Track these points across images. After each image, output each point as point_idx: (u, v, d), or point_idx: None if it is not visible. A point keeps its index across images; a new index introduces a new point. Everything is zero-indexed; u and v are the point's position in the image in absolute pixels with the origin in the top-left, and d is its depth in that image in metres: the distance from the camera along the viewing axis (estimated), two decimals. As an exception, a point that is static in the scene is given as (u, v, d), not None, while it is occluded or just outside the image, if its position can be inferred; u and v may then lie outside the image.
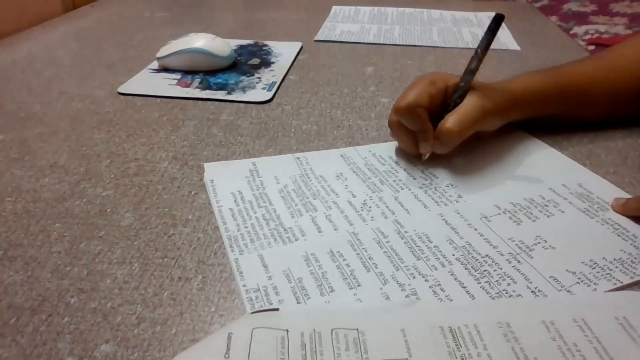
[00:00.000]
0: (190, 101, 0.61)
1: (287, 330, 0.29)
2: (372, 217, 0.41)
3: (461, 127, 0.44)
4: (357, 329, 0.30)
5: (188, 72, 0.68)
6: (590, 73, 0.52)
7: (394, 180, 0.45)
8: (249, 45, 0.80)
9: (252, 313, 0.31)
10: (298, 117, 0.57)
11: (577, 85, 0.51)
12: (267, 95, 0.62)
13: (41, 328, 0.31)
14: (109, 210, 0.42)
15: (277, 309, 0.31)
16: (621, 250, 0.37)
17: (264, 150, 0.51)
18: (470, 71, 0.45)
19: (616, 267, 0.35)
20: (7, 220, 0.40)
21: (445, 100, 0.46)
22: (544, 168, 0.47)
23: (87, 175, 0.46)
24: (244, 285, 0.34)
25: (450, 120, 0.44)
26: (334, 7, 1.01)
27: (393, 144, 0.52)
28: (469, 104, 0.44)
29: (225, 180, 0.45)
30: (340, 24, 0.91)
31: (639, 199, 0.40)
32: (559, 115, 0.52)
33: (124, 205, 0.42)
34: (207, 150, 0.51)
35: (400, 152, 0.50)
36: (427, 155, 0.47)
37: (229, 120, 0.57)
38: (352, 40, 0.83)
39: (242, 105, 0.60)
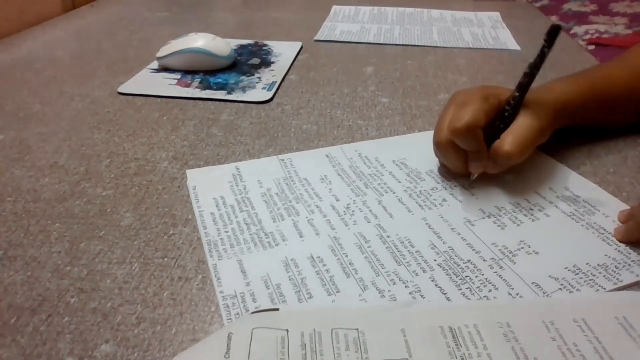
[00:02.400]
0: (190, 101, 0.61)
1: (287, 330, 0.29)
2: (354, 221, 0.40)
3: (521, 148, 0.42)
4: (357, 329, 0.30)
5: (188, 72, 0.68)
6: (625, 81, 0.51)
7: (378, 184, 0.45)
8: (249, 45, 0.80)
9: (252, 313, 0.31)
10: (298, 117, 0.57)
11: (614, 95, 0.50)
12: (267, 95, 0.62)
13: (41, 328, 0.31)
14: (109, 210, 0.42)
15: (277, 309, 0.31)
16: (605, 255, 0.36)
17: (264, 150, 0.51)
18: (523, 87, 0.43)
19: (599, 272, 0.35)
20: (7, 220, 0.40)
21: (496, 116, 0.44)
22: (531, 171, 0.46)
23: (87, 175, 0.46)
24: (220, 292, 0.33)
25: (509, 142, 0.41)
26: (334, 7, 1.01)
27: (380, 142, 0.51)
28: (525, 124, 0.42)
29: (208, 186, 0.44)
30: (340, 24, 0.91)
31: (636, 219, 0.38)
32: (595, 123, 0.51)
33: (124, 205, 0.42)
34: (207, 150, 0.51)
35: (385, 153, 0.49)
36: (476, 175, 0.44)
37: (229, 120, 0.57)
38: (352, 40, 0.83)
39: (242, 105, 0.60)
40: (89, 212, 0.41)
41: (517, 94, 0.43)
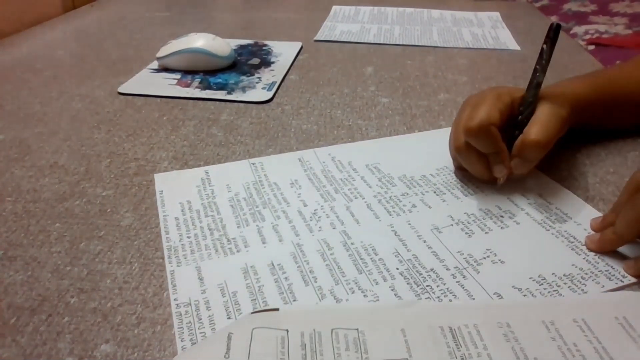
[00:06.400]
0: (190, 101, 0.61)
1: (287, 330, 0.29)
2: (320, 227, 0.39)
3: (547, 137, 0.40)
4: (357, 329, 0.30)
5: (188, 72, 0.68)
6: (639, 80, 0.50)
7: (349, 189, 0.44)
8: (249, 45, 0.80)
9: (252, 313, 0.31)
10: (298, 117, 0.57)
11: (628, 93, 0.49)
12: (267, 95, 0.62)
13: (41, 328, 0.31)
14: (109, 210, 0.42)
15: (277, 309, 0.31)
16: (572, 265, 0.36)
17: (264, 150, 0.51)
18: (537, 83, 0.42)
19: (565, 283, 0.34)
20: (7, 220, 0.40)
21: (512, 115, 0.43)
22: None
23: (87, 175, 0.46)
24: (175, 299, 0.33)
25: (535, 131, 0.40)
26: (334, 7, 1.01)
27: (354, 145, 0.51)
28: (547, 113, 0.41)
29: (175, 191, 0.44)
30: (340, 24, 0.91)
31: (615, 229, 0.36)
32: (605, 123, 0.51)
33: (124, 205, 0.42)
34: (207, 150, 0.51)
35: (359, 157, 0.48)
36: (503, 179, 0.42)
37: (229, 120, 0.57)
38: (352, 40, 0.83)
39: (242, 105, 0.60)
40: (89, 212, 0.41)
41: (533, 89, 0.42)
